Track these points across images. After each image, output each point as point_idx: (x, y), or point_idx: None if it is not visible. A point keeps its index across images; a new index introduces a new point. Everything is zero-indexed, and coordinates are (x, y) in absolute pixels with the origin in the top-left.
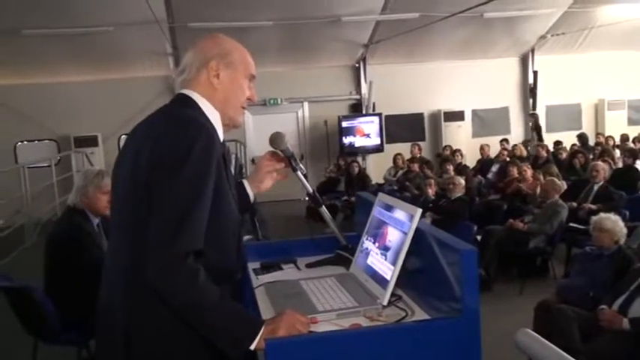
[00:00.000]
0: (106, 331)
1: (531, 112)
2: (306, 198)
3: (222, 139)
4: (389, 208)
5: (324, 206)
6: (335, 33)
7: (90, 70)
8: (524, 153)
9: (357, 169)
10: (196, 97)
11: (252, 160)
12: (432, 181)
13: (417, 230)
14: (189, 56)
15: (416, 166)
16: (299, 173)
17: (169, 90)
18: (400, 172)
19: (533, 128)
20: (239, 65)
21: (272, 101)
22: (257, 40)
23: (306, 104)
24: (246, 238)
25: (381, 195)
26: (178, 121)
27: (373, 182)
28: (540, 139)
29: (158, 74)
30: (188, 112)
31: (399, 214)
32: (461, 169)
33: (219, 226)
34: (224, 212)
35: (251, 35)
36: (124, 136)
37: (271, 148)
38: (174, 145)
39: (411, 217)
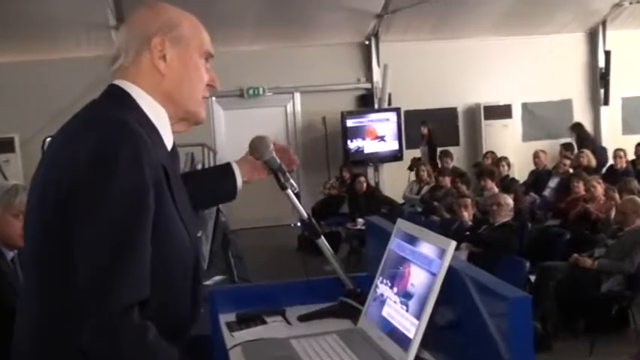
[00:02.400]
0: None
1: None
2: (299, 224)
3: (170, 144)
4: (411, 239)
5: (322, 236)
6: None
7: (4, 49)
8: (593, 162)
9: (364, 186)
10: (132, 89)
11: None
12: (469, 200)
13: (450, 270)
14: (123, 35)
15: (447, 180)
16: (289, 192)
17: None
18: (425, 189)
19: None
20: (191, 40)
21: (251, 91)
22: (228, 9)
23: (297, 95)
24: (216, 279)
25: (400, 222)
26: (93, 126)
27: (387, 197)
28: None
29: (97, 54)
30: (113, 113)
31: (426, 249)
32: (507, 184)
33: (163, 265)
34: (169, 245)
35: (220, 2)
36: (49, 138)
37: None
38: (92, 163)
39: (442, 253)
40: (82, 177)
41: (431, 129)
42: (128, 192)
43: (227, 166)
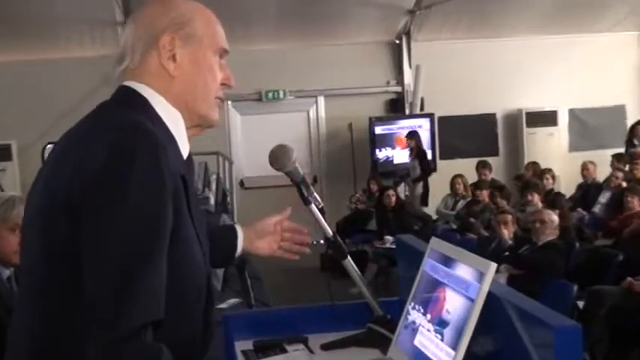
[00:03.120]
0: None
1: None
2: (321, 241)
3: (187, 153)
4: (447, 261)
5: (349, 257)
6: None
7: (2, 47)
8: None
9: (393, 200)
10: (146, 91)
11: (241, 183)
12: (509, 217)
13: (489, 295)
14: (129, 33)
15: (485, 194)
16: (313, 207)
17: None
18: (461, 203)
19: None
20: (204, 37)
21: (270, 95)
22: (246, 4)
23: (321, 100)
24: (231, 302)
25: (434, 241)
26: (111, 130)
27: (419, 212)
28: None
29: (103, 53)
30: (130, 115)
31: (462, 271)
32: (552, 198)
33: (175, 285)
34: (183, 263)
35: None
36: (50, 145)
37: (272, 169)
38: (104, 168)
39: (481, 276)
40: (93, 183)
41: (418, 141)
42: (146, 201)
43: (230, 228)
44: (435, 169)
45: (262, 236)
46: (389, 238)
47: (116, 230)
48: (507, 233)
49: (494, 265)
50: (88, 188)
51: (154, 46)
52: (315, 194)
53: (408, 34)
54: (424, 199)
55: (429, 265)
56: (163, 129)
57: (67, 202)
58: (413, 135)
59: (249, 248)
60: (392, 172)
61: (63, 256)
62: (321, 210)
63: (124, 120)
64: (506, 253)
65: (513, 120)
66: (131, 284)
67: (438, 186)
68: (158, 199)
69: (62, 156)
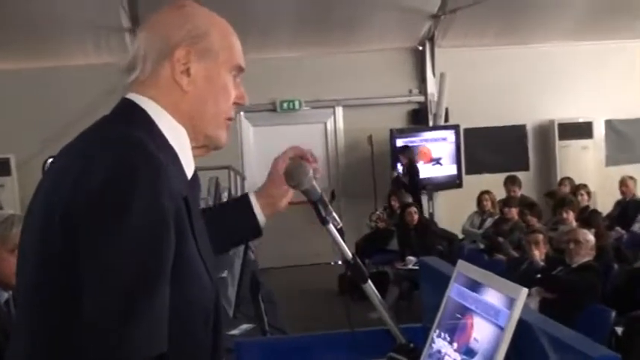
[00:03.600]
0: None
1: None
2: (340, 262)
3: (191, 171)
4: (474, 285)
5: (370, 281)
6: None
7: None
8: None
9: (415, 218)
10: (149, 105)
11: None
12: (541, 236)
13: (520, 323)
14: (141, 42)
15: (514, 212)
16: (331, 227)
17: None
18: (489, 221)
19: None
20: (220, 52)
21: (285, 105)
22: (260, 10)
23: (339, 110)
24: (244, 327)
25: (461, 264)
26: (105, 145)
27: (444, 230)
28: None
29: (108, 61)
30: (130, 133)
31: (491, 297)
32: (588, 216)
33: (180, 311)
34: (188, 288)
35: (251, 2)
36: (51, 159)
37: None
38: (104, 189)
39: (511, 302)
40: (92, 205)
41: (412, 156)
42: (147, 224)
43: (244, 200)
44: (459, 185)
45: (280, 191)
46: (411, 258)
47: (117, 254)
48: (539, 254)
49: (525, 291)
50: (87, 209)
51: (168, 58)
52: (334, 214)
53: (431, 40)
54: None
55: (456, 290)
56: (166, 147)
57: (66, 222)
58: (405, 150)
59: (274, 210)
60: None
61: (60, 276)
62: (339, 230)
63: (126, 137)
64: (538, 276)
65: (545, 132)
66: (134, 307)
67: (464, 203)
68: (159, 222)
69: (62, 171)
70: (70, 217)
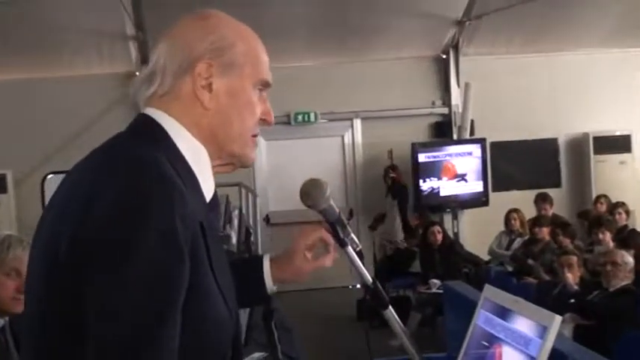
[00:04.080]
0: None
1: None
2: (358, 285)
3: (211, 193)
4: (503, 312)
5: (390, 307)
6: (406, 1)
7: None
8: None
9: (439, 237)
10: (168, 122)
11: (266, 219)
12: (575, 258)
13: (553, 352)
14: (161, 53)
15: (545, 232)
16: (350, 250)
17: (128, 98)
18: (518, 242)
19: None
20: (246, 66)
21: (300, 117)
22: (273, 16)
23: (357, 122)
24: (255, 356)
25: (488, 289)
26: (116, 168)
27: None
28: None
29: (112, 71)
30: (144, 152)
31: (522, 325)
32: (626, 237)
33: (195, 346)
34: (203, 321)
35: (263, 8)
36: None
37: (301, 202)
38: (109, 217)
39: (543, 331)
40: (99, 235)
41: (400, 173)
42: (158, 259)
43: (255, 262)
44: (486, 203)
45: (296, 262)
46: (435, 282)
47: (124, 291)
48: (572, 277)
49: (558, 319)
50: (93, 240)
51: (189, 72)
52: (353, 235)
53: (456, 47)
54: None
55: (483, 317)
56: (184, 167)
57: (71, 254)
58: (392, 169)
59: (287, 279)
60: (438, 206)
61: (64, 311)
62: (358, 253)
63: (139, 157)
64: (572, 301)
65: (578, 146)
66: (140, 349)
67: (491, 222)
68: (171, 254)
69: (71, 194)
70: (76, 249)
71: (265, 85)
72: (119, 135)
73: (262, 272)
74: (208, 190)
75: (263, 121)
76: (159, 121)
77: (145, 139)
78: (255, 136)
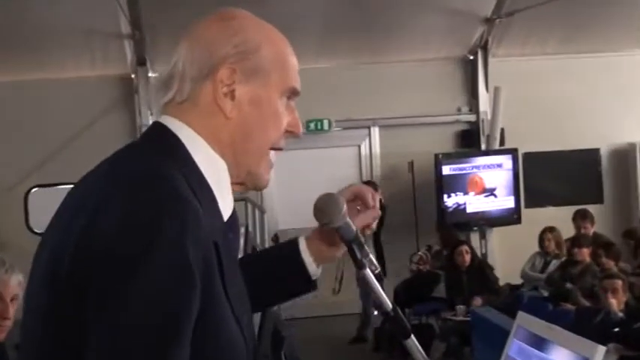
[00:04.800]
0: None
1: None
2: (375, 312)
3: (229, 212)
4: (538, 342)
5: (413, 336)
6: None
7: None
8: None
9: (467, 258)
10: (185, 132)
11: (275, 238)
12: (620, 282)
13: None
14: (180, 56)
15: (585, 253)
16: (367, 273)
17: (125, 104)
18: (554, 264)
19: None
20: (273, 72)
21: (313, 125)
22: (285, 14)
23: (375, 131)
24: None
25: (522, 317)
26: (129, 185)
27: (500, 282)
28: None
29: (104, 74)
30: (156, 165)
31: (559, 355)
32: None
33: None
34: (217, 353)
35: (272, 3)
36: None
37: (314, 219)
38: (114, 238)
39: None
40: (103, 262)
41: (384, 193)
42: (166, 288)
43: (292, 247)
44: (518, 220)
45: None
46: (461, 308)
47: (129, 323)
48: (617, 303)
49: (601, 349)
50: (97, 267)
51: (210, 78)
52: (371, 256)
53: (484, 47)
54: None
55: (516, 348)
56: (201, 183)
57: (73, 275)
58: (375, 185)
59: (325, 259)
60: (464, 224)
61: (64, 334)
62: (377, 276)
63: (150, 171)
64: (616, 330)
65: (623, 157)
66: None
67: (523, 242)
68: (180, 278)
69: (75, 208)
70: (78, 270)
71: (294, 93)
72: (131, 145)
73: (300, 255)
74: (227, 208)
75: (290, 133)
76: (175, 131)
77: (159, 151)
78: (278, 149)
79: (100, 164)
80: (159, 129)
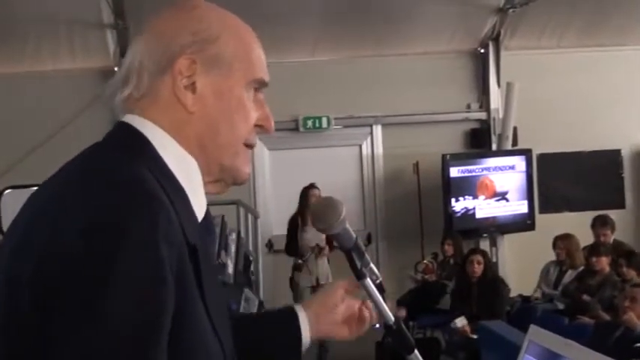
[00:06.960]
0: None
1: None
2: (377, 325)
3: (203, 212)
4: (552, 357)
5: (416, 351)
6: None
7: None
8: None
9: (478, 268)
10: (150, 130)
11: (269, 244)
12: None
13: None
14: (137, 49)
15: (604, 262)
16: (368, 282)
17: (105, 98)
18: (570, 274)
19: None
20: (235, 61)
21: (310, 123)
22: (279, 3)
23: (377, 129)
24: None
25: (535, 330)
26: (91, 187)
27: (512, 293)
28: None
29: (85, 66)
30: (127, 166)
31: None
32: None
33: None
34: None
35: None
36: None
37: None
38: (81, 246)
39: None
40: (69, 268)
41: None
42: (138, 296)
43: (289, 314)
44: (531, 226)
45: (332, 312)
46: (461, 320)
47: (99, 333)
48: (636, 316)
49: None
50: (59, 272)
51: (168, 71)
52: (372, 265)
53: (496, 40)
54: None
55: None
56: (171, 183)
57: (35, 288)
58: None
59: (317, 333)
60: (473, 230)
61: (25, 349)
62: (378, 286)
63: (117, 171)
64: (638, 345)
65: None
66: None
67: (537, 250)
68: (153, 290)
69: (35, 217)
70: (40, 281)
71: (261, 84)
72: (95, 146)
73: (298, 324)
74: (200, 209)
75: (260, 128)
76: (140, 129)
77: (125, 151)
78: (250, 146)
79: (61, 167)
80: (123, 128)
